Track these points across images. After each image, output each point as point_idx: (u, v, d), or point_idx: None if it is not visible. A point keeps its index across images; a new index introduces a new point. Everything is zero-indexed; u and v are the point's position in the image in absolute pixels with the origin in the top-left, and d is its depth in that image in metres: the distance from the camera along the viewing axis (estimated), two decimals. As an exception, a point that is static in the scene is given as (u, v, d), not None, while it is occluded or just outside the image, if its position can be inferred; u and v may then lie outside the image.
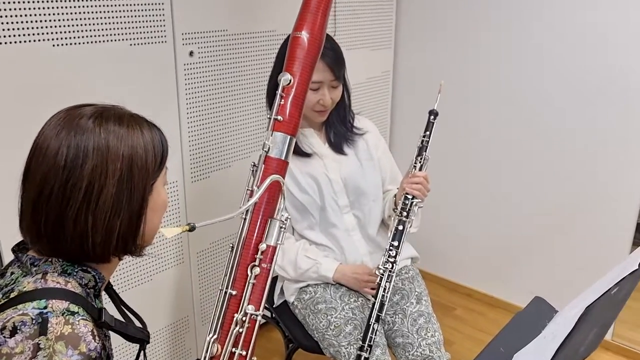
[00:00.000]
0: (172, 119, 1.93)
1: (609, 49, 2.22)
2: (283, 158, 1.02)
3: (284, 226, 1.02)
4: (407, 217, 1.60)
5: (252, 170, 1.04)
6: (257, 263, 1.00)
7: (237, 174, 2.18)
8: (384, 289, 1.55)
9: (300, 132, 1.71)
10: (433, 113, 1.75)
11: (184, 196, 2.03)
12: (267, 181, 0.96)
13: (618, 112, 2.25)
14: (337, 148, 1.73)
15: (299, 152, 1.69)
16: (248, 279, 0.99)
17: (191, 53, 1.93)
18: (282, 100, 1.02)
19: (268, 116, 1.05)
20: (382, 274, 1.56)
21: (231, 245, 1.06)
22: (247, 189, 1.04)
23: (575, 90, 2.33)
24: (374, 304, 1.55)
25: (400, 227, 1.59)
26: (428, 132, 1.72)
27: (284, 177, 1.02)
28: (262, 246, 1.00)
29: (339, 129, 1.73)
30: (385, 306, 1.55)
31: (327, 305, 1.68)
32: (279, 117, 1.02)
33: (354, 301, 1.70)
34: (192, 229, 0.84)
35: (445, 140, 2.69)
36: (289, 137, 1.02)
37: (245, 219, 1.03)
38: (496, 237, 2.73)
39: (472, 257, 2.84)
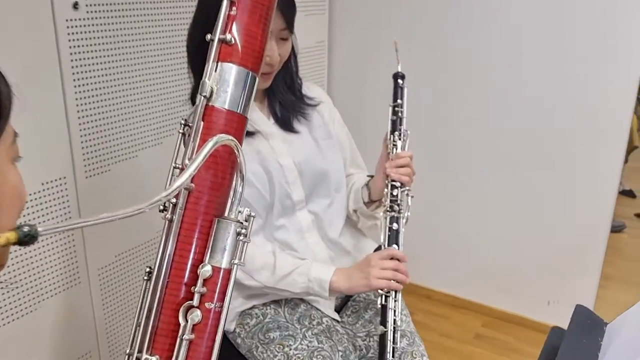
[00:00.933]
0: (54, 96, 1.42)
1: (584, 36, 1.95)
2: (239, 111, 0.58)
3: (243, 231, 0.58)
4: (399, 211, 1.22)
5: (182, 137, 0.60)
6: (195, 302, 0.56)
7: (147, 165, 1.70)
8: (394, 312, 1.15)
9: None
10: (399, 76, 1.39)
11: (76, 196, 1.52)
12: (210, 145, 0.52)
13: (601, 108, 2.00)
14: (286, 124, 1.30)
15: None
16: (180, 335, 0.55)
17: (76, 5, 1.43)
18: (232, 8, 0.58)
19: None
20: (387, 294, 1.16)
21: (147, 269, 0.62)
22: (175, 166, 0.60)
23: (553, 82, 2.05)
24: (383, 322, 1.18)
25: (395, 226, 1.20)
26: (400, 100, 1.35)
27: (240, 141, 0.59)
28: (205, 270, 0.57)
29: (286, 98, 1.30)
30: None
31: (282, 333, 1.25)
32: (228, 38, 0.57)
33: (317, 324, 1.28)
34: (24, 237, 0.40)
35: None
36: (247, 73, 0.58)
37: (171, 220, 0.59)
38: (458, 232, 2.41)
39: (429, 254, 2.50)
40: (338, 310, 1.38)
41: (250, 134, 1.25)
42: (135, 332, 0.57)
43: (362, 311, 1.36)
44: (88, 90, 1.49)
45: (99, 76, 1.51)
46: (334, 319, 1.33)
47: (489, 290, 2.38)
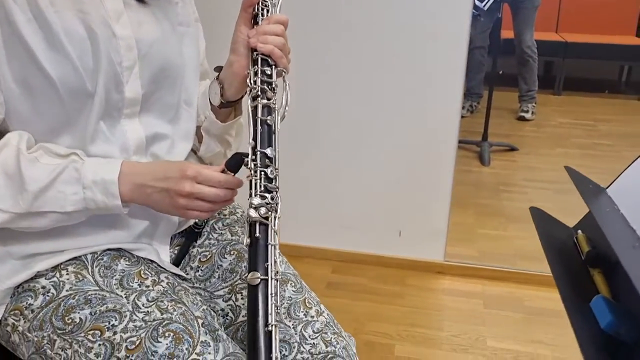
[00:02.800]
0: None
1: None
2: None
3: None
4: (269, 98, 0.79)
5: None
6: None
7: None
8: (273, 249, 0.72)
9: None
10: None
11: None
12: None
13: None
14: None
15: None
16: None
17: None
18: None
19: None
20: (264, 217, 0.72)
21: None
22: None
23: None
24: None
25: (267, 119, 0.78)
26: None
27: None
28: None
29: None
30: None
31: (96, 309, 0.75)
32: None
33: (153, 284, 0.80)
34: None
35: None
36: None
37: None
38: (292, 171, 2.04)
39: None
40: (177, 262, 0.91)
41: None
42: None
43: (217, 257, 0.91)
44: None
45: None
46: (176, 275, 0.85)
47: (334, 233, 2.08)
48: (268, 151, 0.76)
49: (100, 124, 0.79)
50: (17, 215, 0.74)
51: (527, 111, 3.63)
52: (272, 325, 0.68)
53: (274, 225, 0.74)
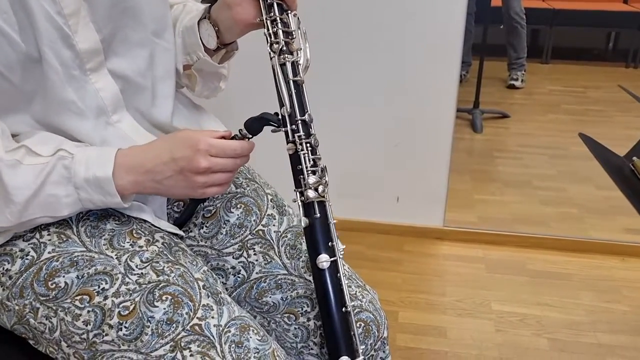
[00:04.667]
0: None
1: None
2: None
3: None
4: (292, 51, 0.71)
5: None
6: None
7: None
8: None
9: None
10: None
11: None
12: None
13: None
14: None
15: None
16: None
17: None
18: None
19: None
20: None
21: None
22: None
23: None
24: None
25: (297, 79, 0.70)
26: None
27: None
28: None
29: None
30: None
31: (84, 272, 0.67)
32: None
33: (147, 243, 0.71)
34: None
35: None
36: None
37: None
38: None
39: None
40: (182, 223, 0.83)
41: None
42: None
43: (223, 212, 0.83)
44: None
45: None
46: (173, 235, 0.77)
47: (331, 201, 2.01)
48: (307, 117, 0.70)
49: (67, 91, 0.67)
50: (6, 227, 0.66)
51: (516, 79, 3.57)
52: (349, 307, 0.71)
53: (329, 200, 0.71)
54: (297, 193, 0.70)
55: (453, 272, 1.81)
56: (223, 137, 0.69)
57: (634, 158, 0.52)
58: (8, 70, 0.64)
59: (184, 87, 0.88)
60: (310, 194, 0.69)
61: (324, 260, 0.69)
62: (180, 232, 0.79)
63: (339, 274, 0.70)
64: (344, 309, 0.70)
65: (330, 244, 0.70)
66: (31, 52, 0.64)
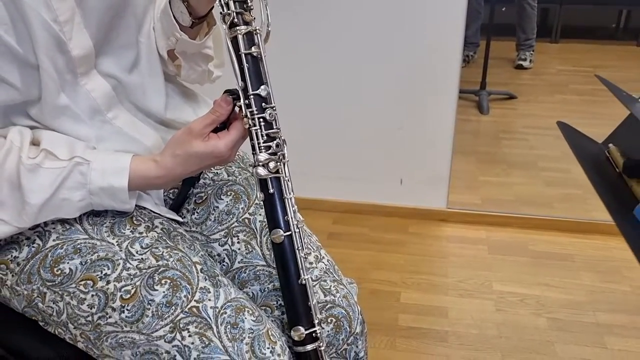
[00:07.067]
0: None
1: None
2: None
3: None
4: (247, 21, 0.68)
5: None
6: None
7: None
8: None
9: None
10: None
11: None
12: None
13: None
14: None
15: None
16: None
17: None
18: None
19: None
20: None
21: None
22: None
23: None
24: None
25: (252, 51, 0.68)
26: None
27: None
28: None
29: None
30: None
31: (87, 258, 0.70)
32: None
33: (147, 230, 0.75)
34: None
35: None
36: None
37: None
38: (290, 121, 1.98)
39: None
40: (176, 208, 0.86)
41: None
42: None
43: (213, 198, 0.86)
44: None
45: None
46: (171, 220, 0.81)
47: (334, 183, 2.03)
48: (262, 91, 0.67)
49: (61, 96, 0.69)
50: (21, 228, 0.70)
51: (525, 59, 3.55)
52: (305, 280, 0.71)
53: (286, 175, 0.70)
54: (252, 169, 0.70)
55: (456, 253, 1.84)
56: (214, 110, 0.70)
57: (610, 145, 0.53)
58: (11, 77, 0.66)
59: (175, 76, 0.89)
60: (261, 171, 0.68)
61: (279, 234, 0.69)
62: (179, 218, 0.83)
63: (297, 248, 0.70)
64: (300, 281, 0.70)
65: (285, 217, 0.70)
66: (29, 60, 0.66)
